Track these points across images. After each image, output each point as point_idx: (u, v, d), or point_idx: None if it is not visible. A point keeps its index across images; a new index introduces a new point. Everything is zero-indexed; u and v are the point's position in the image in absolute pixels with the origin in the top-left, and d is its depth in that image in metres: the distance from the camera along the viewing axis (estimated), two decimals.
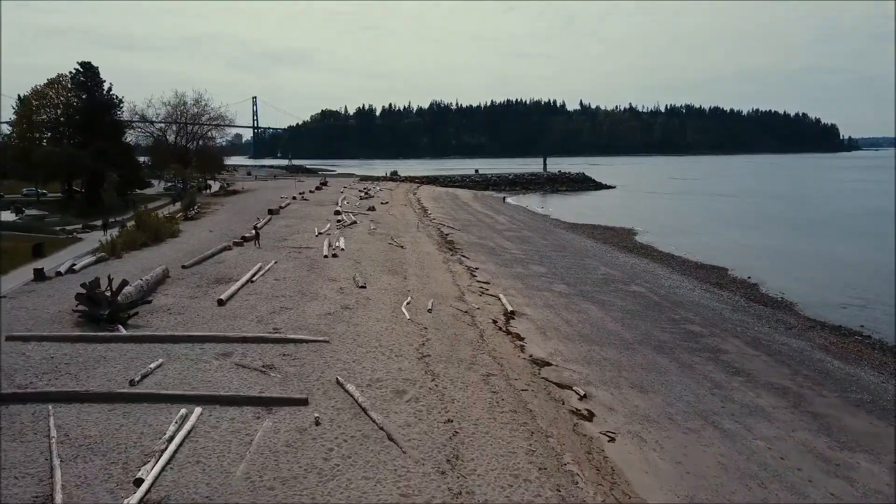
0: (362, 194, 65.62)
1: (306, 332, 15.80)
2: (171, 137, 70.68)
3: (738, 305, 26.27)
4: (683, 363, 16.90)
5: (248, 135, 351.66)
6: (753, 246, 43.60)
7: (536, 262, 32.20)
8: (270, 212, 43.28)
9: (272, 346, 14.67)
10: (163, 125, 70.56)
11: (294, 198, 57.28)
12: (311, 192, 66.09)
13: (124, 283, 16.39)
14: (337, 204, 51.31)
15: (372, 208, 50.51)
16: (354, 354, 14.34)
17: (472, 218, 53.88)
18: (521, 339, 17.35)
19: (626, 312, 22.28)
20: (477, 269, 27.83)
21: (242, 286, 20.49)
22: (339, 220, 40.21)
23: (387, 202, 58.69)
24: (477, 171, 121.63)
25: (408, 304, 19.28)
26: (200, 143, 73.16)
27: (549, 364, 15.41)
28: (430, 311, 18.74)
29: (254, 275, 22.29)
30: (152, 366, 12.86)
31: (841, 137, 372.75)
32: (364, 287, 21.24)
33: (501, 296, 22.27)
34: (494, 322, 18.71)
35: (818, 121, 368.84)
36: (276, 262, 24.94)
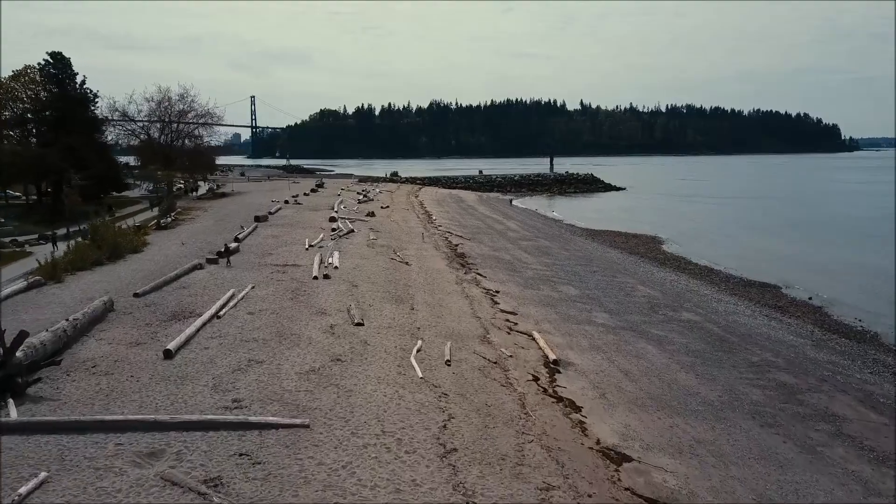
0: (361, 197, 60.90)
1: (279, 407, 11.10)
2: (155, 135, 65.82)
3: (817, 338, 21.69)
4: (803, 445, 12.22)
5: (246, 134, 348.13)
6: (787, 255, 39.72)
7: (564, 280, 27.50)
8: (257, 219, 38.50)
9: (226, 436, 9.96)
10: (145, 123, 65.61)
11: (286, 202, 52.47)
12: (305, 194, 61.25)
13: (23, 335, 11.66)
14: (333, 209, 46.57)
15: (371, 213, 45.82)
16: (345, 451, 9.64)
17: (480, 224, 49.15)
18: (578, 408, 12.64)
19: (691, 354, 17.62)
20: (497, 292, 23.13)
21: (203, 325, 15.77)
22: (334, 229, 35.51)
23: (387, 206, 53.96)
24: (481, 171, 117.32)
25: (418, 351, 14.63)
26: (188, 142, 68.32)
27: (627, 458, 10.71)
28: (448, 362, 14.08)
29: (222, 307, 17.57)
30: (24, 490, 8.12)
31: (843, 138, 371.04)
32: (361, 324, 16.56)
33: (536, 334, 17.56)
34: (535, 379, 14.00)
35: (819, 121, 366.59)
36: (252, 287, 20.20)
